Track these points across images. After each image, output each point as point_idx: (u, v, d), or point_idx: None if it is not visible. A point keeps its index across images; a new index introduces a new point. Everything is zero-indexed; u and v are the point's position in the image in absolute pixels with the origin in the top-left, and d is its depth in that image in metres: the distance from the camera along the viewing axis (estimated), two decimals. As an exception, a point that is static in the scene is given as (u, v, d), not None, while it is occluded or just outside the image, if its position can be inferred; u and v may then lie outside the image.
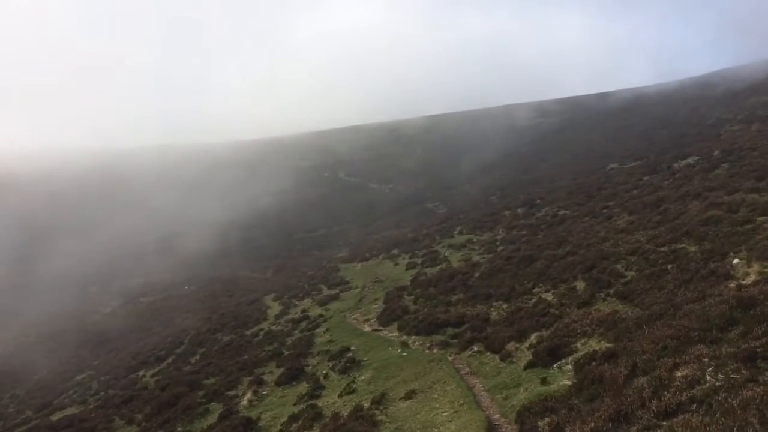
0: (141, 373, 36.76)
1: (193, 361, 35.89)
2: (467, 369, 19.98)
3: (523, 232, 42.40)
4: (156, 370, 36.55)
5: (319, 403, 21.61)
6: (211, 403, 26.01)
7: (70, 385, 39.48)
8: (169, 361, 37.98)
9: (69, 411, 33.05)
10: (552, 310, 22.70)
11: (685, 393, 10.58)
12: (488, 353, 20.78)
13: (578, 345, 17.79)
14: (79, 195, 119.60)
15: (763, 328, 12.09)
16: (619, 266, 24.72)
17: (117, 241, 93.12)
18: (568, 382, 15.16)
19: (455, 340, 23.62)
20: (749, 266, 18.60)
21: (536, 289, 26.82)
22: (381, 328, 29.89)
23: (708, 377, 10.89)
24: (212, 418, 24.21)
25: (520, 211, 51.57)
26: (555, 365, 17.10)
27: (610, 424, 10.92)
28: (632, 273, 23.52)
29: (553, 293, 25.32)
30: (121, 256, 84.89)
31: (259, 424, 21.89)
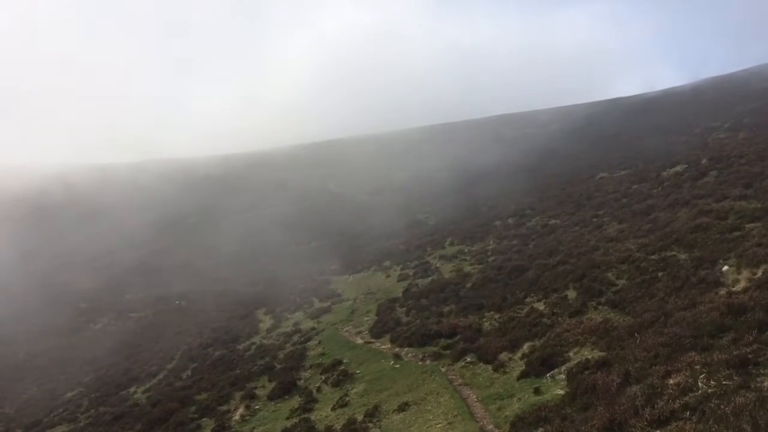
0: (132, 389, 36.42)
1: (184, 376, 35.59)
2: (460, 380, 19.93)
3: (514, 242, 42.50)
4: (147, 386, 36.22)
5: (312, 416, 21.48)
6: (203, 419, 25.78)
7: (60, 402, 39.02)
8: (161, 377, 37.66)
9: (59, 429, 32.69)
10: (544, 320, 22.71)
11: (678, 400, 10.60)
12: (481, 364, 20.74)
13: (571, 354, 17.79)
14: (67, 210, 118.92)
15: (753, 335, 12.15)
16: (609, 275, 24.78)
17: (106, 257, 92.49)
18: (562, 392, 15.15)
19: (448, 351, 23.56)
20: (739, 273, 18.69)
21: (528, 299, 26.83)
22: (373, 340, 29.80)
23: (700, 384, 10.91)
24: (204, 434, 24.02)
25: (510, 221, 51.71)
26: (548, 375, 17.09)
27: (604, 433, 10.93)
28: (623, 281, 23.59)
29: (544, 303, 25.34)
30: (110, 272, 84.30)
31: (252, 439, 21.73)
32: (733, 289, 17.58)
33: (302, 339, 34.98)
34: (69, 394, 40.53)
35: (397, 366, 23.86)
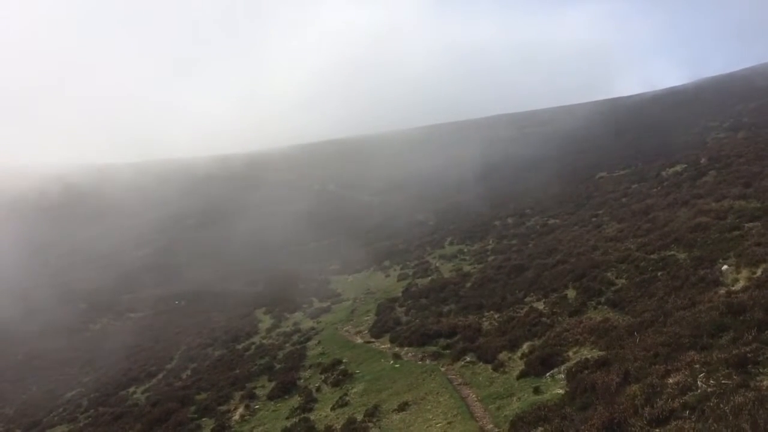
0: (131, 389, 36.40)
1: (184, 376, 35.59)
2: (460, 379, 19.93)
3: (514, 242, 42.51)
4: (146, 386, 36.22)
5: (312, 416, 21.47)
6: (203, 419, 25.76)
7: (59, 402, 39.03)
8: (160, 377, 37.65)
9: (59, 429, 32.67)
10: (543, 319, 22.71)
11: (677, 400, 10.60)
12: (481, 363, 20.75)
13: (570, 353, 17.80)
14: (66, 211, 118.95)
15: (753, 334, 12.16)
16: (609, 274, 24.79)
17: (106, 258, 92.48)
18: (561, 391, 15.15)
19: (447, 351, 23.57)
20: (738, 272, 18.69)
21: (527, 299, 26.84)
22: (373, 339, 29.80)
23: (700, 383, 10.92)
24: (204, 434, 24.01)
25: (510, 220, 51.74)
26: (547, 374, 17.10)
27: (604, 432, 10.93)
28: (622, 281, 23.58)
29: (544, 302, 25.35)
30: (110, 272, 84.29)
31: (252, 439, 21.72)
32: (733, 288, 17.59)
33: (302, 339, 34.98)
34: (68, 394, 40.54)
35: (397, 365, 23.87)
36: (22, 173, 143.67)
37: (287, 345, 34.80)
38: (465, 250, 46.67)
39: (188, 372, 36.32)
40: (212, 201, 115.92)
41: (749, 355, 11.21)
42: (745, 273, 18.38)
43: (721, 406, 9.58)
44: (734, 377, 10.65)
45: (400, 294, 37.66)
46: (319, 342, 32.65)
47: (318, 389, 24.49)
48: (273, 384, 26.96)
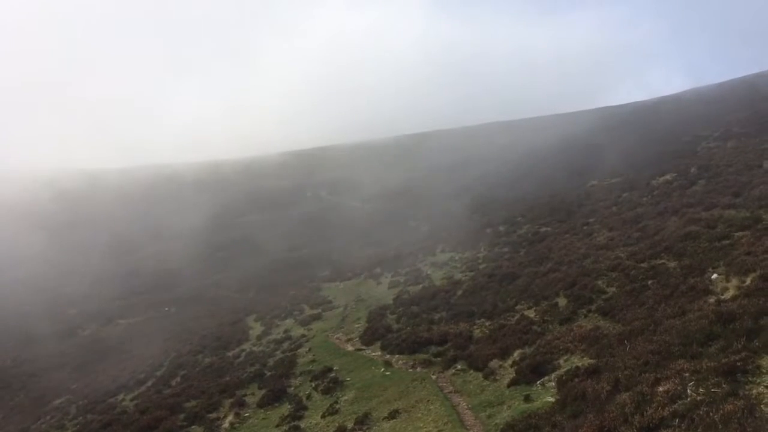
0: (120, 396, 36.12)
1: (173, 383, 35.34)
2: (451, 387, 19.91)
3: (505, 250, 42.59)
4: (135, 393, 35.93)
5: (302, 424, 21.38)
6: (192, 427, 25.61)
7: (47, 409, 38.66)
8: (149, 384, 37.38)
9: (46, 437, 32.37)
10: (534, 327, 22.75)
11: (667, 408, 10.63)
12: (471, 371, 20.75)
13: (561, 361, 17.82)
14: (56, 217, 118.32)
15: (742, 342, 12.21)
16: (600, 282, 24.86)
17: (95, 264, 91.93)
18: (552, 399, 15.16)
19: (438, 359, 23.56)
20: (728, 281, 18.79)
21: (518, 306, 26.87)
22: (364, 347, 29.73)
23: (689, 392, 10.95)
24: (193, 442, 23.84)
25: (501, 228, 51.80)
26: (538, 382, 17.11)
27: (594, 441, 10.94)
28: (613, 289, 23.66)
29: (535, 310, 25.38)
30: (99, 278, 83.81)
31: (241, 447, 21.59)
32: (722, 297, 17.66)
33: (292, 346, 34.85)
34: (57, 401, 40.16)
35: (388, 373, 23.82)
36: (11, 178, 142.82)
37: (278, 352, 34.66)
38: (457, 257, 46.69)
39: (178, 379, 36.07)
40: (202, 208, 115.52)
41: (738, 364, 11.25)
42: (734, 282, 18.48)
43: (711, 414, 9.61)
44: (723, 386, 10.68)
45: (391, 301, 37.62)
46: (309, 349, 32.54)
47: (308, 397, 24.40)
48: (263, 391, 26.83)
